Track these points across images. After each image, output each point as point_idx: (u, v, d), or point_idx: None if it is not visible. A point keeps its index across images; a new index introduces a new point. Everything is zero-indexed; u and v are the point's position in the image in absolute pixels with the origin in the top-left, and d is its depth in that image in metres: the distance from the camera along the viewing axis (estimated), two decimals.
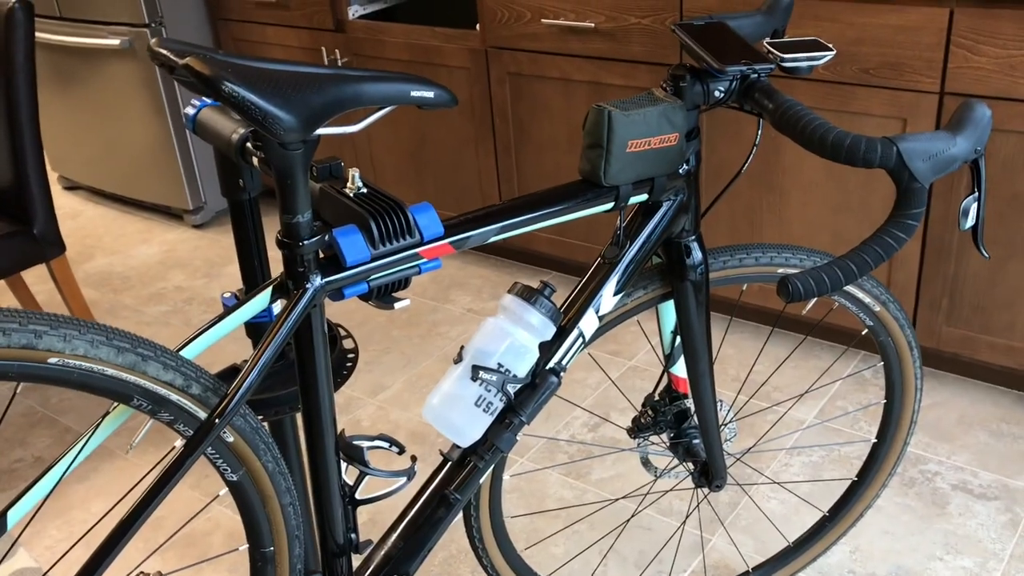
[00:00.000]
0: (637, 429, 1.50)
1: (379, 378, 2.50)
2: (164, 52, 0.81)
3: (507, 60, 2.63)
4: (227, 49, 3.32)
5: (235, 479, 0.94)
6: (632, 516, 1.93)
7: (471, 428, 1.12)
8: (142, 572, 1.03)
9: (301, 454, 1.39)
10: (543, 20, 2.48)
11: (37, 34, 3.39)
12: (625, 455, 2.12)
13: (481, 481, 1.18)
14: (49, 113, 3.64)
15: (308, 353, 0.95)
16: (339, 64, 2.97)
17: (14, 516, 0.87)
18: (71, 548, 1.56)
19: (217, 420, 0.86)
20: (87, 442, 0.87)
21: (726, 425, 1.57)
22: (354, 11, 2.93)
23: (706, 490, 1.53)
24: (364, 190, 0.97)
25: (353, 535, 1.09)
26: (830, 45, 1.20)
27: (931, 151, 1.03)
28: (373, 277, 0.95)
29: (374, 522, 1.98)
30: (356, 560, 1.17)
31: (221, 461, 0.92)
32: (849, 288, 1.41)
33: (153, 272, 3.21)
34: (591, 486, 2.03)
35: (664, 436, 1.52)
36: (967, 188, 2.04)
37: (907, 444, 1.60)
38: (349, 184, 0.97)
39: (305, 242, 0.90)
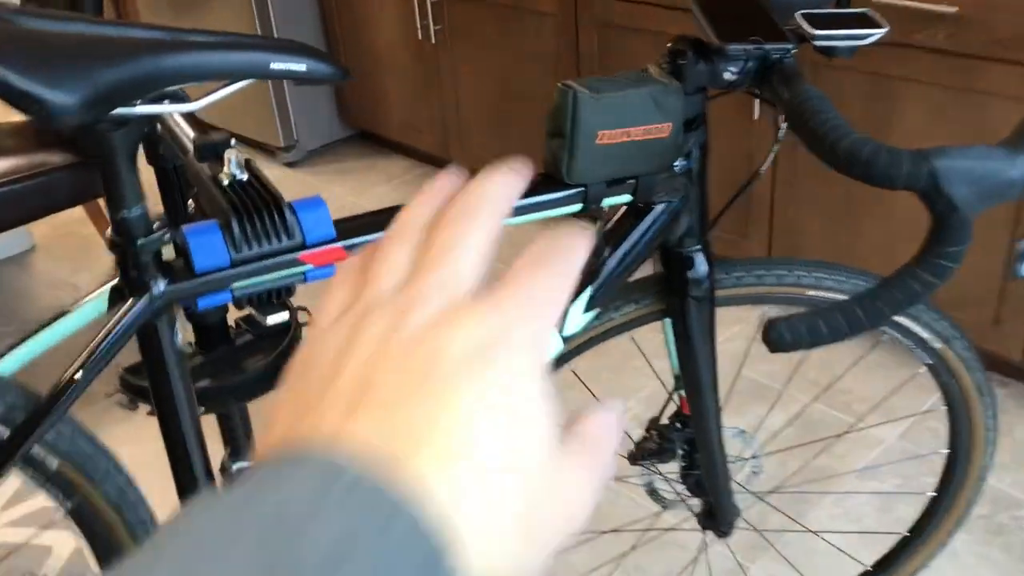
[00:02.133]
0: (641, 456, 1.30)
1: None
2: None
3: (598, 8, 2.39)
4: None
5: (70, 506, 0.81)
6: (631, 550, 1.71)
7: None
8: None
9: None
10: None
11: None
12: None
13: None
14: None
15: (157, 373, 0.80)
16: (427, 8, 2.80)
17: None
18: None
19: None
20: None
21: (750, 460, 1.35)
22: None
23: (711, 535, 1.32)
24: (243, 177, 0.81)
25: None
26: (882, 22, 0.94)
27: (979, 172, 0.78)
28: (237, 286, 0.79)
29: None
30: None
31: (49, 487, 0.80)
32: (900, 318, 1.15)
33: None
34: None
35: (673, 464, 1.31)
36: None
37: (973, 503, 1.33)
38: (224, 170, 0.81)
39: (139, 242, 0.75)
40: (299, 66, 0.70)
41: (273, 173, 3.36)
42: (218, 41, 0.67)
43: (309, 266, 0.81)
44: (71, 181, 2.37)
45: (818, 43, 0.93)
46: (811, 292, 1.11)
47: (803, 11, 0.96)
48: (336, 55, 3.29)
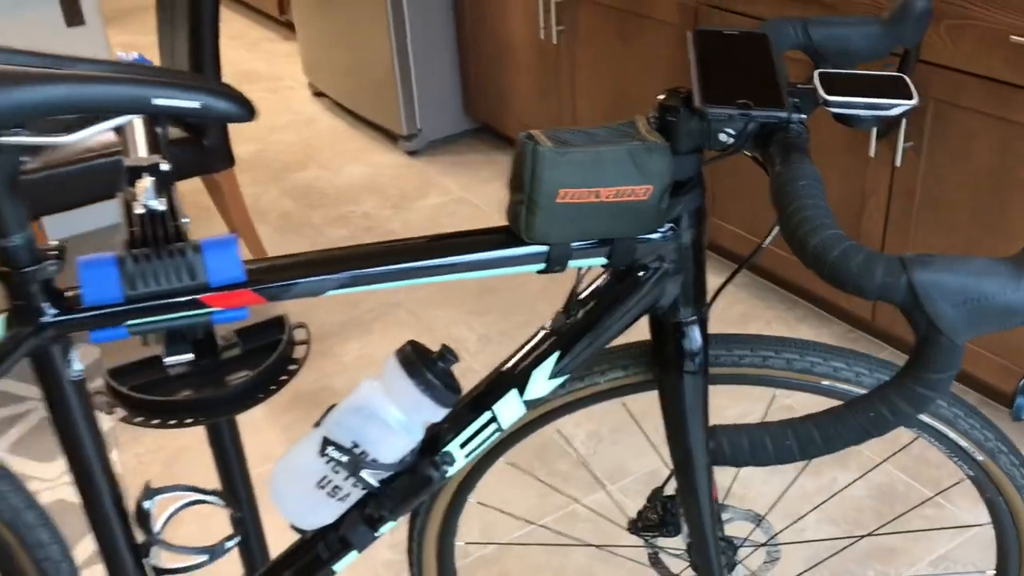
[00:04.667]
0: (641, 527, 1.20)
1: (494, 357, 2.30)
2: None
3: (717, 20, 2.25)
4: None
5: None
6: None
7: (312, 513, 0.90)
8: None
9: (245, 466, 1.24)
10: None
11: None
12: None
13: (338, 571, 0.96)
14: (311, 21, 3.71)
15: (54, 402, 0.77)
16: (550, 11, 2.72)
17: None
18: None
19: None
20: None
21: (765, 546, 1.22)
22: None
23: None
24: (156, 207, 0.77)
25: None
26: (913, 92, 0.80)
27: (972, 292, 0.64)
28: (132, 323, 0.75)
29: None
30: None
31: None
32: (936, 423, 1.00)
33: (350, 194, 3.20)
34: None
35: (678, 539, 1.20)
36: None
37: None
38: (137, 198, 0.77)
39: (24, 271, 0.72)
40: (190, 103, 0.65)
41: (391, 160, 3.38)
42: (97, 75, 0.63)
43: (214, 308, 0.77)
44: (177, 156, 2.45)
45: (832, 109, 0.81)
46: (825, 382, 0.98)
47: (822, 70, 0.83)
48: (465, 49, 3.26)
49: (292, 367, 1.17)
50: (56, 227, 2.93)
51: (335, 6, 3.49)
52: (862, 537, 1.69)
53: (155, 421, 1.08)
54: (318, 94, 4.02)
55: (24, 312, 0.73)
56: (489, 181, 3.18)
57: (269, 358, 1.15)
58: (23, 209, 0.69)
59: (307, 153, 3.53)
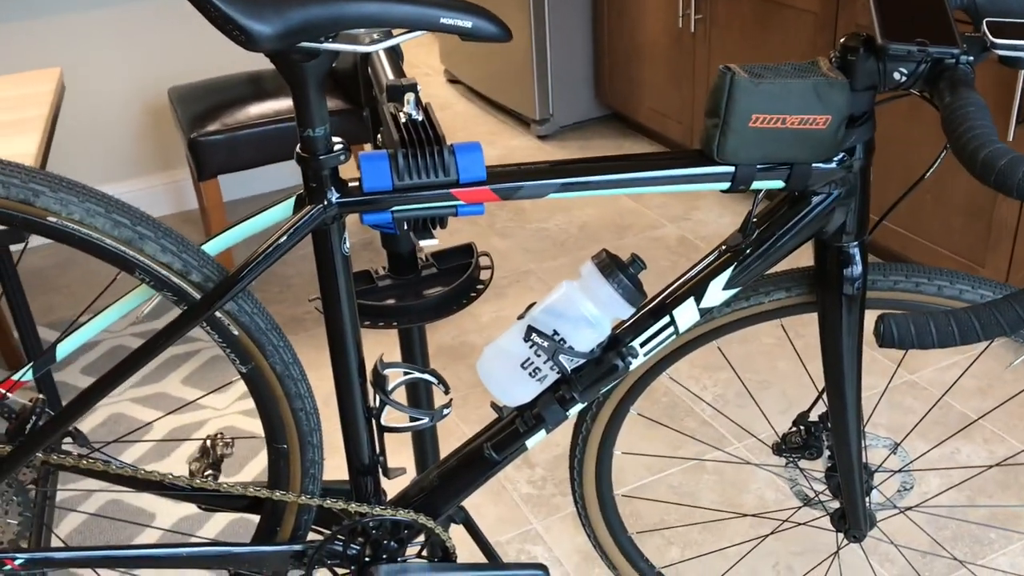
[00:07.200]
0: (785, 448, 1.32)
1: None
2: None
3: (860, 9, 2.33)
4: None
5: (244, 371, 0.98)
6: (770, 534, 1.69)
7: (515, 389, 1.06)
8: (216, 435, 1.12)
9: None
10: None
11: None
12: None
13: (529, 446, 1.11)
14: None
15: (325, 271, 0.94)
16: None
17: (63, 350, 0.99)
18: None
19: (205, 308, 0.90)
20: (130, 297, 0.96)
21: (899, 473, 1.32)
22: None
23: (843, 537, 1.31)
24: (418, 117, 0.93)
25: (380, 458, 1.09)
26: None
27: None
28: (396, 208, 0.91)
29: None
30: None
31: (229, 351, 0.96)
32: None
33: None
34: (714, 492, 1.83)
35: (818, 462, 1.32)
36: None
37: None
38: (404, 108, 0.93)
39: (320, 158, 0.89)
40: (465, 23, 0.81)
41: (523, 144, 3.55)
42: None
43: (460, 202, 0.93)
44: (338, 125, 2.66)
45: (999, 52, 0.92)
46: None
47: (991, 19, 0.94)
48: (600, 37, 3.41)
49: (479, 286, 1.33)
50: (230, 188, 3.20)
51: None
52: (993, 467, 1.76)
53: (366, 323, 1.25)
54: (452, 80, 4.22)
55: (315, 193, 0.91)
56: None
57: (460, 278, 1.32)
58: (325, 105, 0.86)
59: None
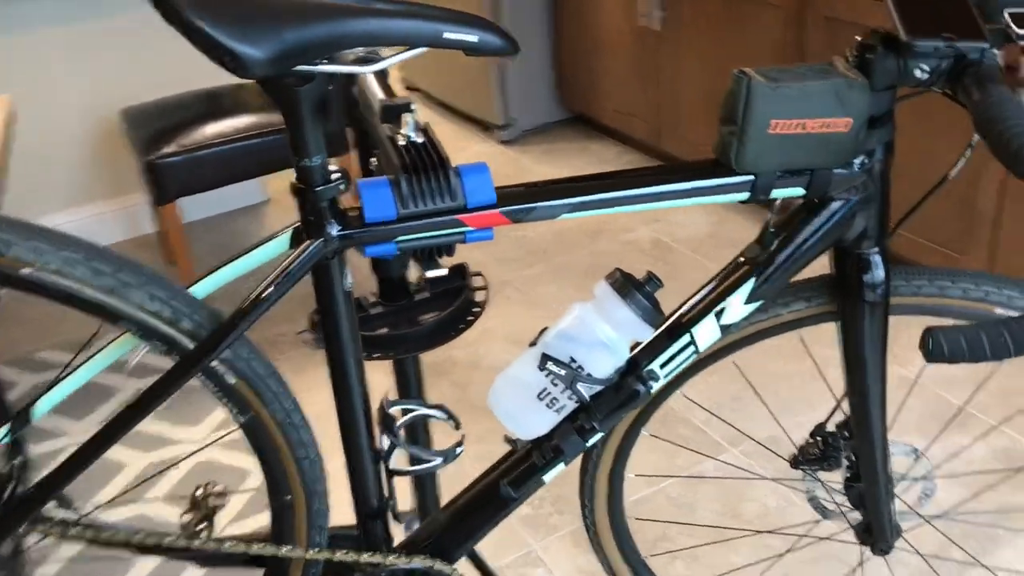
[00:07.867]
0: (803, 461, 1.27)
1: None
2: None
3: (824, 2, 2.31)
4: None
5: (243, 421, 0.91)
6: (786, 553, 1.66)
7: (531, 421, 0.99)
8: (206, 484, 1.04)
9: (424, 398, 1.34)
10: None
11: None
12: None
13: (547, 480, 1.05)
14: None
15: (327, 308, 0.87)
16: None
17: (40, 410, 0.91)
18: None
19: (199, 360, 0.82)
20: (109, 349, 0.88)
21: (921, 480, 1.28)
22: None
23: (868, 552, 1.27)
24: (417, 140, 0.86)
25: (390, 502, 1.02)
26: None
27: None
28: (401, 239, 0.85)
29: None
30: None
31: (226, 401, 0.89)
32: None
33: None
34: (716, 502, 1.79)
35: (836, 474, 1.27)
36: None
37: None
38: (401, 131, 0.87)
39: (318, 189, 0.82)
40: (470, 37, 0.74)
41: (486, 150, 3.49)
42: (395, 10, 0.72)
43: (468, 228, 0.86)
44: None
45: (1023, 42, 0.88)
46: (999, 310, 1.04)
47: (1012, 9, 0.90)
48: (560, 40, 3.36)
49: (476, 309, 1.27)
50: (189, 209, 3.09)
51: None
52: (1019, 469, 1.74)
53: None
54: (411, 88, 4.14)
55: (313, 226, 0.84)
56: (586, 168, 3.26)
57: (455, 302, 1.25)
58: (321, 133, 0.79)
59: None
